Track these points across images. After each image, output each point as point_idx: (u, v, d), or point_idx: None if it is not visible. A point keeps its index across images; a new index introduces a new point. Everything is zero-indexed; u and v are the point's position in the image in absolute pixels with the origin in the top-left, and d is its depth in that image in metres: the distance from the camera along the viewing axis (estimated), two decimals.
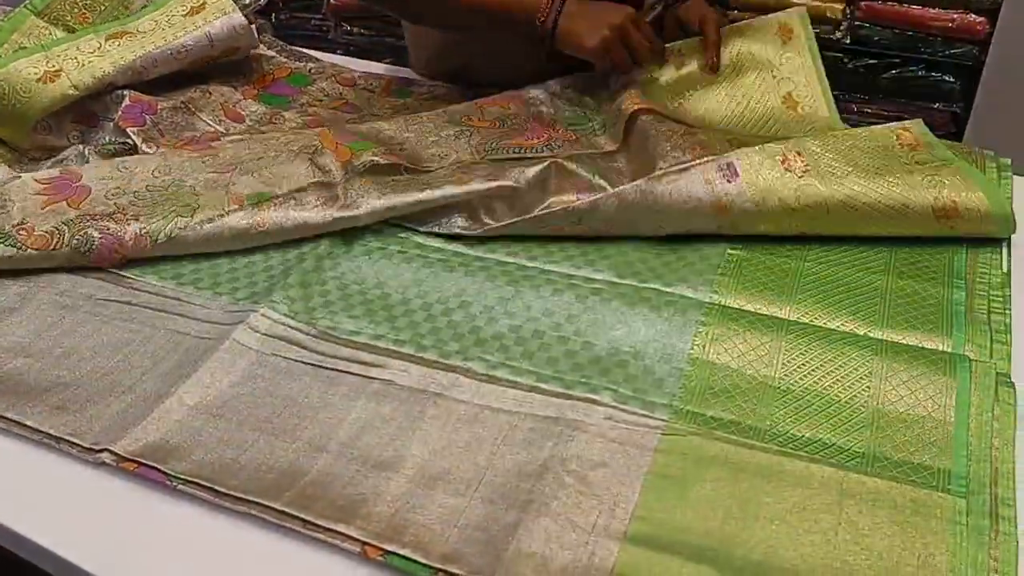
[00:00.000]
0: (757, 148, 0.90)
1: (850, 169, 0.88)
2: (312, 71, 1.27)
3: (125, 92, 1.08)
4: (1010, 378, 0.72)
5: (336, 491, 0.64)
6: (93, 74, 1.07)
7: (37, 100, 1.05)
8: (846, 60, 2.14)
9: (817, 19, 2.10)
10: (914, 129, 0.96)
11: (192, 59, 1.15)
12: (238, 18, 1.17)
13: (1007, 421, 0.68)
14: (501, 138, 1.03)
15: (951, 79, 2.07)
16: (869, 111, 2.17)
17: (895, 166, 0.90)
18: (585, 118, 1.09)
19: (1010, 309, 0.80)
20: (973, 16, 1.97)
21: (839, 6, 2.08)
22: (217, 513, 0.64)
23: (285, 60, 1.29)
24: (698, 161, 0.89)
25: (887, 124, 0.96)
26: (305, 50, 1.32)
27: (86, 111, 1.09)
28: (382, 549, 0.60)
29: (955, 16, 1.98)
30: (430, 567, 0.58)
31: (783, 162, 0.89)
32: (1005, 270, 0.85)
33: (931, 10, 2.00)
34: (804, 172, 0.88)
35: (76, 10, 1.21)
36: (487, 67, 1.22)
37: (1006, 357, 0.74)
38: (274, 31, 2.42)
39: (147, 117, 1.07)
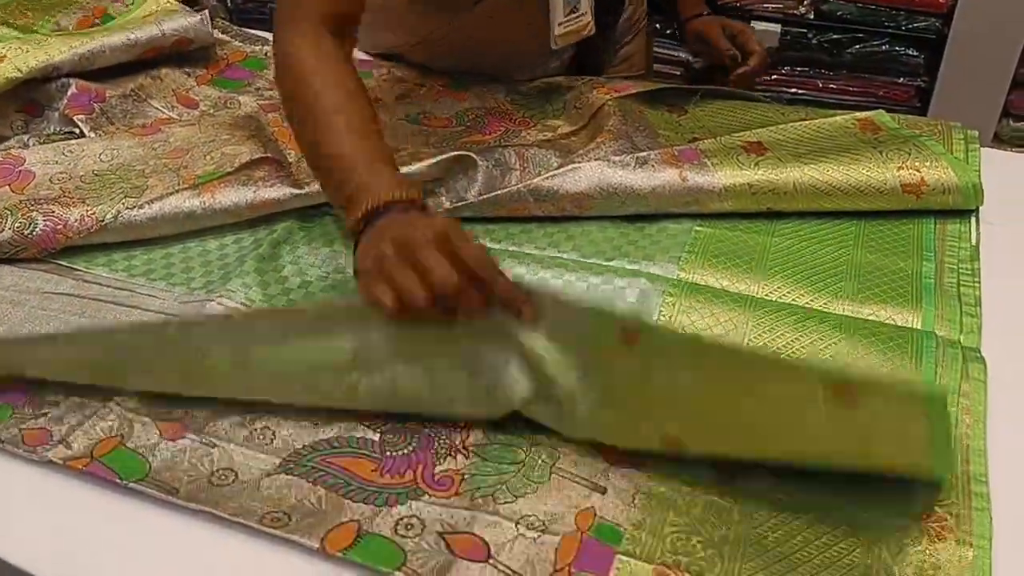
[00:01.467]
0: (717, 138, 0.90)
1: (813, 149, 0.87)
2: (268, 55, 1.24)
3: (71, 80, 1.05)
4: (980, 352, 0.71)
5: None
6: (38, 58, 1.03)
7: None
8: (810, 35, 2.13)
9: None
10: (875, 118, 0.95)
11: (142, 50, 1.12)
12: (193, 17, 1.16)
13: (977, 397, 0.67)
14: (458, 136, 1.01)
15: (915, 53, 2.07)
16: (834, 87, 2.17)
17: (859, 146, 0.89)
18: (542, 109, 1.07)
19: (979, 282, 0.79)
20: None
21: None
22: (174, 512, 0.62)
23: (240, 44, 1.25)
24: (665, 148, 0.88)
25: (848, 113, 0.96)
26: (260, 33, 1.29)
27: (30, 99, 1.05)
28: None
29: None
30: None
31: (746, 149, 0.89)
32: (973, 243, 0.84)
33: None
34: (766, 154, 0.88)
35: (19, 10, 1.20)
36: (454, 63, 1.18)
37: (976, 331, 0.73)
38: (228, 15, 2.36)
39: (95, 105, 1.04)
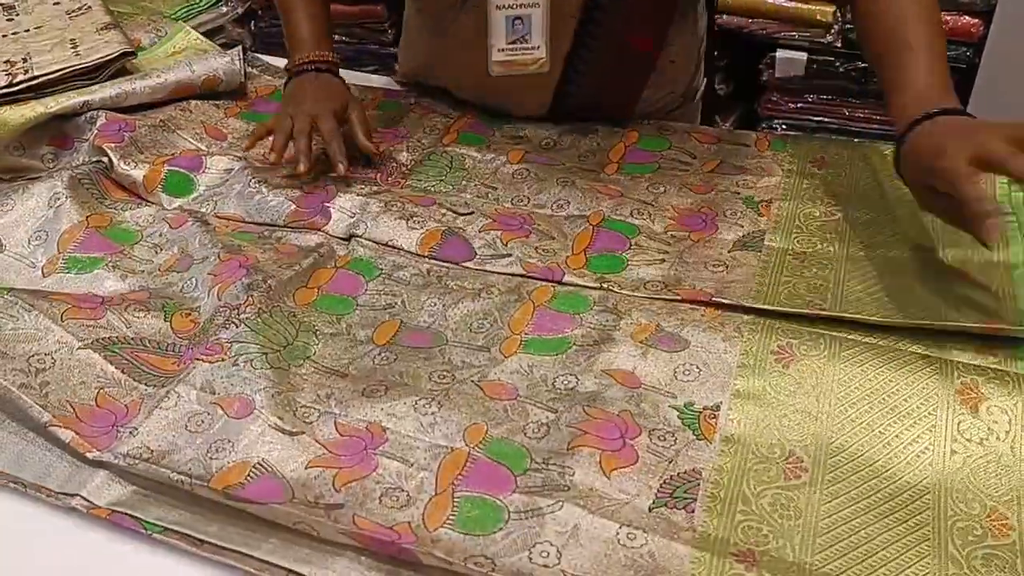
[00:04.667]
0: None
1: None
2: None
3: (100, 112, 1.05)
4: None
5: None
6: (70, 96, 1.05)
7: (9, 119, 1.01)
8: (837, 64, 2.11)
9: (807, 23, 2.08)
10: None
11: (172, 89, 1.13)
12: (223, 58, 1.18)
13: None
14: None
15: None
16: (860, 115, 2.15)
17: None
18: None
19: None
20: (967, 18, 1.95)
21: (829, 9, 2.05)
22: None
23: (269, 79, 1.25)
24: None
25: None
26: None
27: (60, 132, 1.06)
28: None
29: (949, 18, 1.96)
30: None
31: None
32: None
33: None
34: None
35: None
36: (473, 85, 1.15)
37: None
38: (252, 39, 2.37)
39: (125, 135, 1.04)
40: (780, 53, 2.13)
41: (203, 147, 1.07)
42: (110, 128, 1.03)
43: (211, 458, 0.66)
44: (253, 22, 2.44)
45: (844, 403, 0.70)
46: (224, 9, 1.53)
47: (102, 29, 1.20)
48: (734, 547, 0.60)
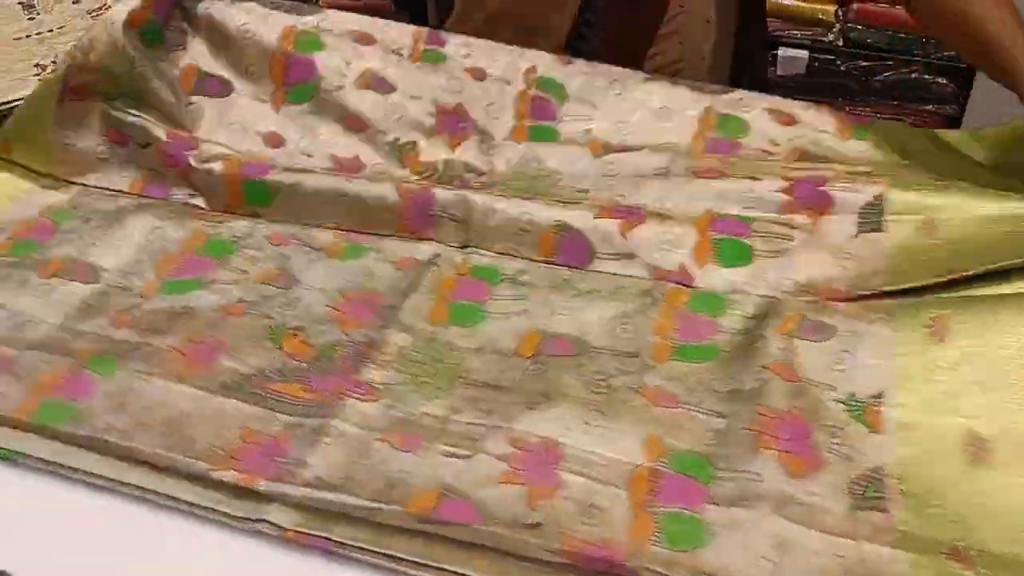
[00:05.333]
0: None
1: None
2: (322, 27, 1.09)
3: (155, 123, 1.00)
4: None
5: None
6: None
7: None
8: (839, 62, 2.14)
9: (809, 21, 2.11)
10: None
11: None
12: None
13: None
14: None
15: (945, 81, 2.08)
16: (862, 113, 2.17)
17: None
18: None
19: None
20: None
21: (831, 8, 2.08)
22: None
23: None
24: None
25: None
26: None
27: (115, 126, 1.01)
28: None
29: None
30: None
31: None
32: None
33: None
34: None
35: None
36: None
37: None
38: None
39: (188, 154, 1.00)
40: (782, 51, 2.16)
41: (270, 160, 1.02)
42: (175, 148, 1.00)
43: (392, 487, 0.64)
44: None
45: (1014, 366, 0.67)
46: None
47: None
48: (942, 546, 0.58)
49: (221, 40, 1.07)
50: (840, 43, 2.12)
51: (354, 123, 1.03)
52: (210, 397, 0.73)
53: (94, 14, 1.29)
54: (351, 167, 1.01)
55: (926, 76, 2.09)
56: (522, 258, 0.88)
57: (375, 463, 0.67)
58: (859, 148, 0.96)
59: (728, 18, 1.19)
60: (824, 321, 0.76)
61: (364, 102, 1.03)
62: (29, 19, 1.29)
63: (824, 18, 2.09)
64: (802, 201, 0.88)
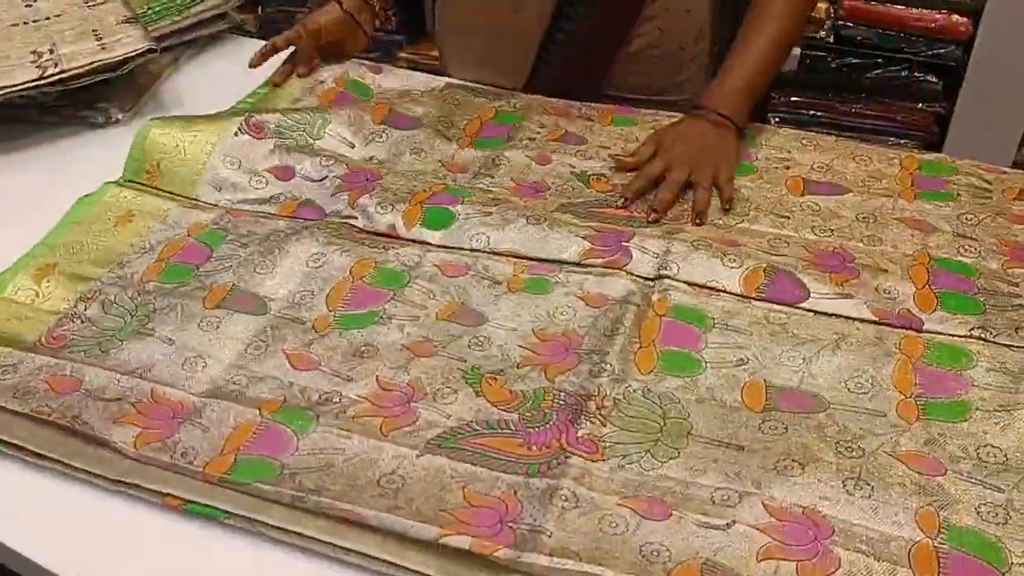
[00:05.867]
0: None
1: None
2: (517, 106, 1.18)
3: (333, 161, 1.04)
4: None
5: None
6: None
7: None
8: (830, 59, 2.16)
9: None
10: None
11: None
12: None
13: None
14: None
15: (934, 79, 2.10)
16: (853, 110, 2.19)
17: None
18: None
19: None
20: (956, 17, 1.99)
21: (823, 5, 2.10)
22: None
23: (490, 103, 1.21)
24: None
25: None
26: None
27: (282, 161, 1.04)
28: None
29: (938, 16, 2.01)
30: None
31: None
32: None
33: (914, 10, 2.02)
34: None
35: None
36: None
37: None
38: (259, 26, 2.40)
39: (374, 183, 1.01)
40: None
41: (450, 182, 1.03)
42: (357, 178, 1.00)
43: (650, 562, 0.62)
44: (260, 7, 2.47)
45: None
46: None
47: (123, 22, 1.23)
48: None
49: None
50: (831, 40, 2.14)
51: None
52: (420, 456, 0.69)
53: (91, 4, 1.31)
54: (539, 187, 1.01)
55: (916, 74, 2.11)
56: (728, 293, 0.84)
57: (622, 532, 0.63)
58: None
59: (715, 11, 1.21)
60: None
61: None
62: (27, 6, 1.31)
63: (815, 15, 2.10)
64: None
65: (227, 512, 0.66)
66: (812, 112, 2.22)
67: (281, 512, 0.66)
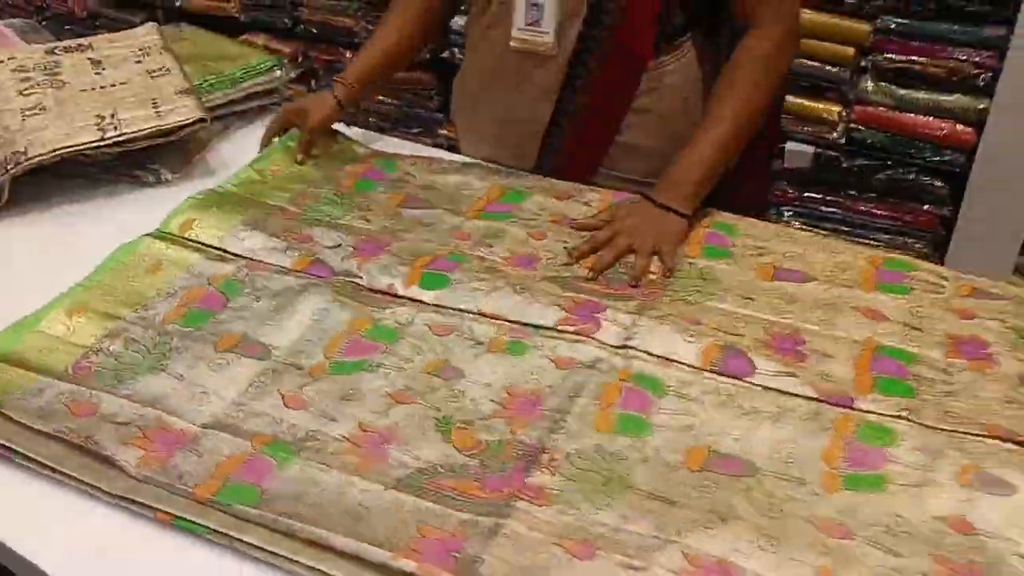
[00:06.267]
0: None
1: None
2: (525, 187, 1.29)
3: (347, 235, 1.15)
4: None
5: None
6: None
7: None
8: (842, 159, 2.25)
9: (815, 120, 2.23)
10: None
11: None
12: None
13: None
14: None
15: (940, 183, 2.18)
16: (863, 208, 2.28)
17: None
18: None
19: None
20: (961, 126, 2.08)
21: (836, 108, 2.20)
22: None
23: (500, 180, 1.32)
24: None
25: None
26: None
27: (303, 232, 1.16)
28: None
29: (944, 125, 2.10)
30: None
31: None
32: None
33: (922, 119, 2.12)
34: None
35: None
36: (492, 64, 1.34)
37: None
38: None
39: (384, 248, 1.11)
40: (790, 145, 2.28)
41: (453, 248, 1.13)
42: (367, 246, 1.11)
43: None
44: (313, 81, 2.62)
45: None
46: (278, 73, 1.66)
47: (180, 93, 1.37)
48: None
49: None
50: (843, 141, 2.23)
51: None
52: (386, 492, 0.78)
53: (154, 75, 1.45)
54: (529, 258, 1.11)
55: (923, 178, 2.19)
56: (685, 366, 0.92)
57: (553, 566, 0.72)
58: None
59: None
60: (1002, 478, 0.77)
61: None
62: (96, 73, 1.46)
63: (828, 117, 2.21)
64: (964, 353, 0.93)
65: (210, 528, 0.75)
66: (824, 208, 2.31)
67: (260, 532, 0.75)
